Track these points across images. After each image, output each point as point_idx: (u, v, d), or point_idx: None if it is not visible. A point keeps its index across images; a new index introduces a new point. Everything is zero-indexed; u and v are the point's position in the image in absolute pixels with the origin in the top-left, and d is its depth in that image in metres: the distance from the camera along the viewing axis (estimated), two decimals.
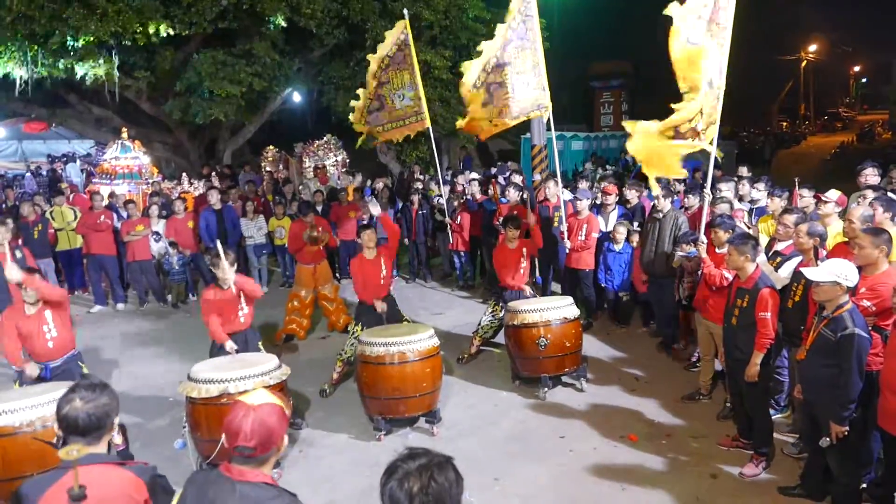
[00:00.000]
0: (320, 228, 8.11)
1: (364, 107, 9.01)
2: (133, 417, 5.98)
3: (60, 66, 13.22)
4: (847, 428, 3.78)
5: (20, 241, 8.79)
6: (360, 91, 9.11)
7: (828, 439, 3.85)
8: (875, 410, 3.83)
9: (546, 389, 6.07)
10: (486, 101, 7.34)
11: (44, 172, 17.85)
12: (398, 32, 8.71)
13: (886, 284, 3.94)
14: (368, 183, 13.71)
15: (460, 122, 7.77)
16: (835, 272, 3.78)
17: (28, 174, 17.83)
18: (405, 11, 8.97)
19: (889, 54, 37.63)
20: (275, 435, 2.19)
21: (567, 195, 8.55)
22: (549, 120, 7.78)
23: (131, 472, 2.37)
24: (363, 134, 9.31)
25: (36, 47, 12.59)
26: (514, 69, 7.23)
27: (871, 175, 6.62)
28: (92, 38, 12.35)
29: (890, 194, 6.12)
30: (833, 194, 5.97)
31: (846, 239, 4.91)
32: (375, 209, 6.97)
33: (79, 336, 5.27)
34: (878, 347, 3.94)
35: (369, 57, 8.94)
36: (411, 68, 8.70)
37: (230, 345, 5.33)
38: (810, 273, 3.96)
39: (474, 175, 12.61)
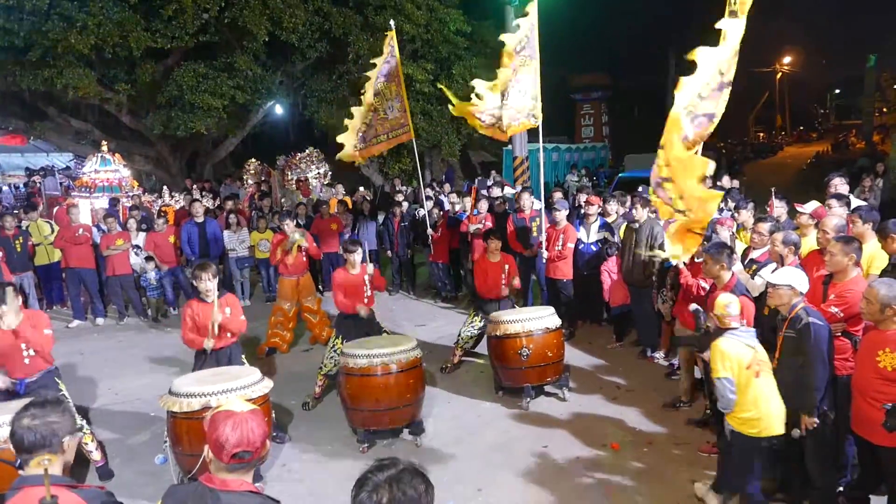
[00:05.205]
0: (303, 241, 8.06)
1: (359, 125, 8.67)
2: (113, 433, 5.93)
3: (39, 79, 13.11)
4: (817, 419, 3.86)
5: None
6: (354, 109, 8.79)
7: (798, 430, 3.92)
8: (848, 415, 3.91)
9: (528, 399, 6.11)
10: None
11: (21, 186, 17.60)
12: (388, 43, 8.69)
13: (853, 291, 4.05)
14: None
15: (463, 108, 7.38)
16: (789, 278, 3.98)
17: (6, 188, 17.58)
18: (391, 22, 8.94)
19: (861, 66, 38.68)
20: (265, 438, 2.23)
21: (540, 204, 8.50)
22: (538, 130, 7.79)
23: (80, 496, 2.27)
24: (344, 148, 8.87)
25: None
26: (517, 77, 7.21)
27: (839, 185, 6.77)
28: (72, 51, 12.27)
29: (858, 200, 6.25)
30: (811, 206, 6.09)
31: (819, 248, 5.02)
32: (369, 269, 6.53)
33: (57, 351, 5.17)
34: (849, 353, 4.04)
35: (368, 73, 8.72)
36: (397, 80, 8.69)
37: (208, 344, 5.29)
38: (772, 277, 4.11)
39: (449, 188, 12.69)
